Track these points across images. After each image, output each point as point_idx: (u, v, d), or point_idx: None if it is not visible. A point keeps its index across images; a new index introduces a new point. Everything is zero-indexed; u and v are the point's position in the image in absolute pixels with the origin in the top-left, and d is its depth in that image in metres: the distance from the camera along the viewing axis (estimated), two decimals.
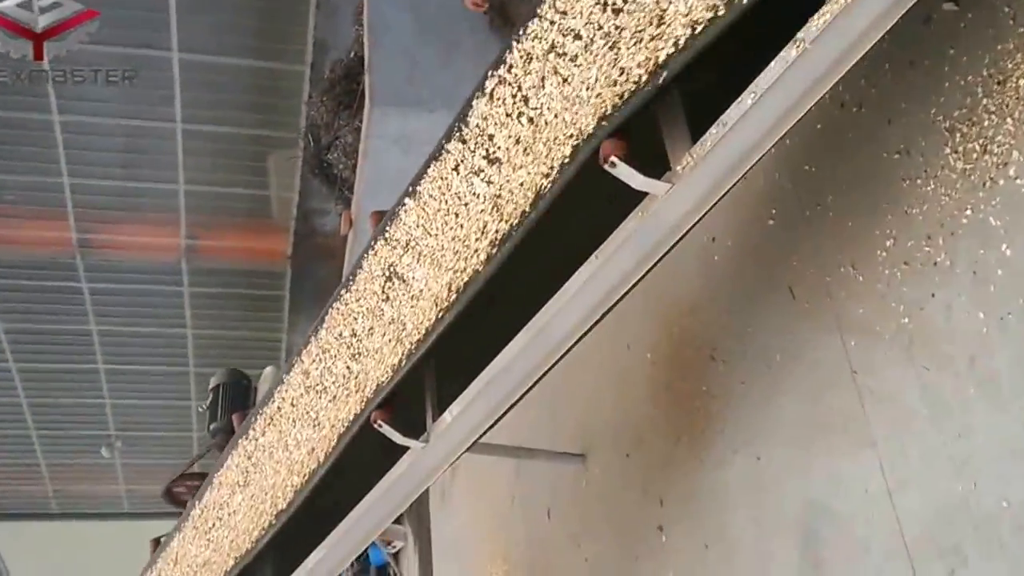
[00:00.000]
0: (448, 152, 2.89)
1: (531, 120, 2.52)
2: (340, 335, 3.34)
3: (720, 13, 1.91)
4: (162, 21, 7.58)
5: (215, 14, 7.78)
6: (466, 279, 2.60)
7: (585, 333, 2.49)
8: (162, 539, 4.28)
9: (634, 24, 2.18)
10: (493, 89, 2.73)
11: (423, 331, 2.73)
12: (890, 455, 2.40)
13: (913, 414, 2.32)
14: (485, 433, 2.77)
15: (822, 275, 2.71)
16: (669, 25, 2.05)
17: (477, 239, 2.60)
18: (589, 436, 4.35)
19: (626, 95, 2.11)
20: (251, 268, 9.93)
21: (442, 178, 2.90)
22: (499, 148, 2.64)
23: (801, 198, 2.85)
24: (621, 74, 2.15)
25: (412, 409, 2.83)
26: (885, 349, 2.41)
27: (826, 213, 2.72)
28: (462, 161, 2.81)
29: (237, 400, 4.39)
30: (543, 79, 2.50)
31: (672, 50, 2.01)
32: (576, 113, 2.29)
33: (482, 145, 2.72)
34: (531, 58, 2.59)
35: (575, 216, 2.47)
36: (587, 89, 2.28)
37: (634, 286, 2.37)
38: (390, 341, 2.93)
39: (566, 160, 2.27)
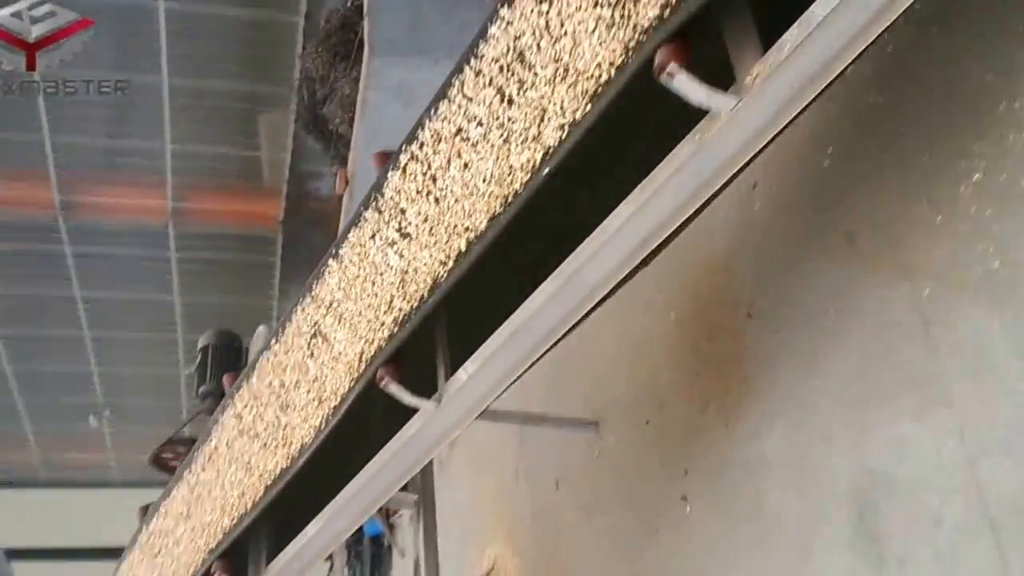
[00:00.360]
0: (366, 220, 2.89)
1: (437, 201, 2.55)
2: (270, 384, 3.32)
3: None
4: None
5: None
6: (373, 351, 2.65)
7: (624, 281, 2.20)
8: (150, 506, 4.04)
9: (522, 118, 2.23)
10: (406, 164, 2.73)
11: (339, 398, 2.79)
12: (971, 418, 2.11)
13: (1001, 371, 2.04)
14: (503, 392, 2.48)
15: (889, 217, 2.41)
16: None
17: (385, 312, 2.66)
18: (603, 403, 4.08)
19: (510, 197, 2.20)
20: (241, 233, 9.61)
21: (361, 244, 2.91)
22: (410, 224, 2.66)
23: (865, 132, 2.56)
24: (509, 172, 2.22)
25: (422, 367, 2.54)
26: (968, 298, 2.12)
27: (896, 145, 2.42)
28: (378, 231, 2.82)
29: (227, 362, 4.11)
30: (449, 161, 2.52)
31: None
32: (473, 204, 2.36)
33: (395, 218, 2.74)
34: (440, 139, 2.59)
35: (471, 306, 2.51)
36: (483, 181, 2.34)
37: (684, 225, 2.08)
38: (313, 400, 2.96)
39: (461, 252, 2.36)
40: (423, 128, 2.65)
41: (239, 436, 3.44)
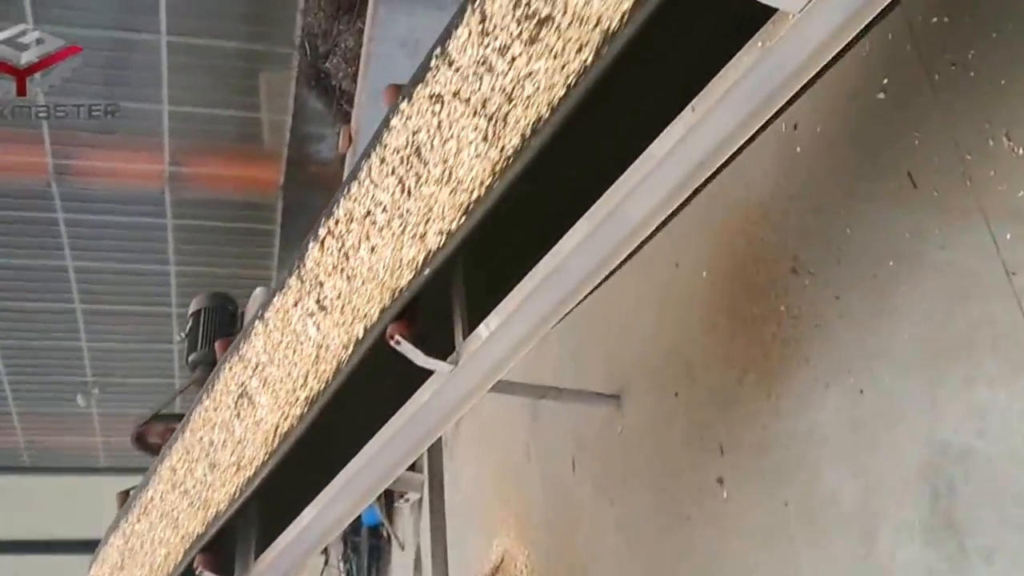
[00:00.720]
0: (289, 287, 2.92)
1: (349, 279, 2.58)
2: (200, 439, 3.28)
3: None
4: None
5: None
6: (286, 428, 2.65)
7: (671, 216, 1.90)
8: (131, 491, 3.76)
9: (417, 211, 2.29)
10: (324, 239, 2.78)
11: (255, 467, 2.75)
12: None
13: None
14: (525, 352, 2.18)
15: (959, 153, 2.11)
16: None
17: (300, 388, 2.66)
18: (625, 374, 3.79)
19: (396, 293, 2.27)
20: (240, 199, 9.24)
21: (285, 310, 2.92)
22: (327, 297, 2.69)
23: (927, 59, 2.25)
24: (399, 266, 2.31)
25: (435, 324, 2.25)
26: None
27: (965, 74, 2.12)
28: (299, 300, 2.85)
29: (221, 328, 3.81)
30: (360, 241, 2.58)
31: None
32: (372, 291, 2.43)
33: (315, 289, 2.77)
34: (352, 219, 2.65)
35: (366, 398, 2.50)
36: (384, 268, 2.40)
37: (741, 149, 1.77)
38: (235, 463, 2.93)
39: (358, 340, 2.41)
40: (338, 206, 2.72)
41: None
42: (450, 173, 2.18)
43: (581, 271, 1.96)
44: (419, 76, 2.42)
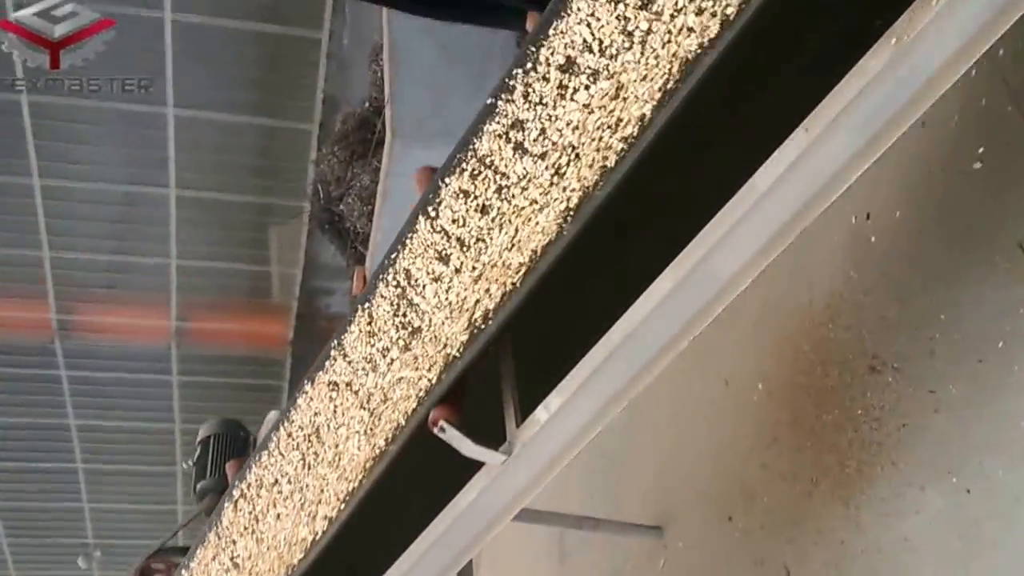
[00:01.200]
0: (209, 541, 2.96)
1: (259, 541, 2.64)
2: None
3: None
4: (157, 69, 6.88)
5: (213, 65, 7.09)
6: None
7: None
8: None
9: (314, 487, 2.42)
10: (237, 500, 2.83)
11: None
12: None
13: None
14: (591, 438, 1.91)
15: None
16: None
17: None
18: (667, 503, 3.50)
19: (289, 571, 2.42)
20: (248, 355, 9.05)
21: (205, 563, 2.96)
22: (239, 556, 2.76)
23: None
24: (295, 544, 2.43)
25: (482, 409, 2.00)
26: None
27: None
28: (217, 555, 2.90)
29: (232, 455, 3.54)
30: (268, 507, 2.65)
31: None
32: (273, 562, 2.52)
33: (230, 546, 2.82)
34: (262, 484, 2.72)
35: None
36: (283, 541, 2.49)
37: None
38: None
39: None
40: (251, 471, 2.79)
41: None
42: (339, 458, 2.32)
43: (663, 337, 1.71)
44: (320, 364, 2.54)
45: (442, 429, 1.87)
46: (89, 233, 7.86)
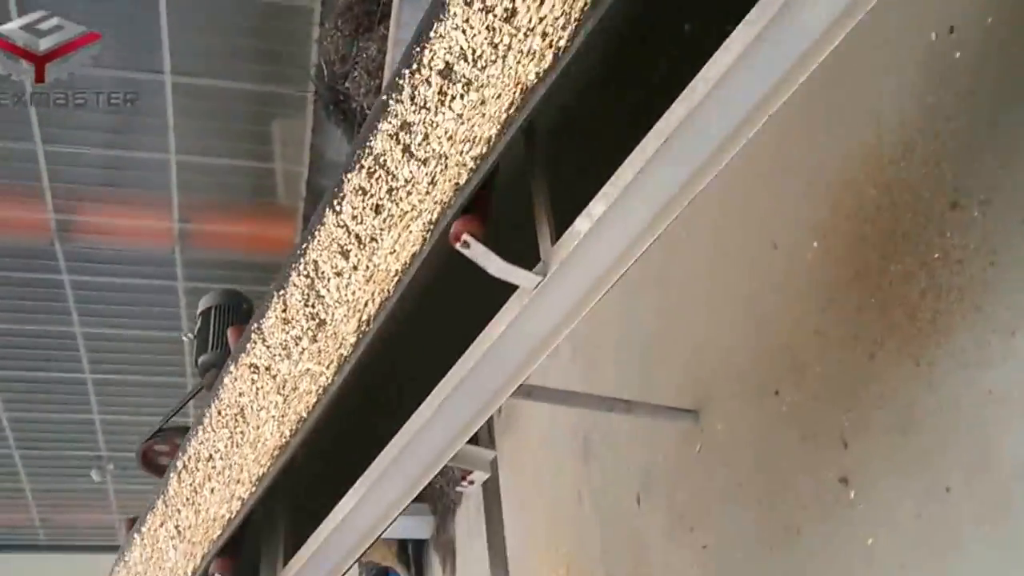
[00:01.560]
0: (157, 508, 3.07)
1: (197, 512, 2.77)
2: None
3: None
4: None
5: None
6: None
7: None
8: (136, 519, 3.30)
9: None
10: (180, 472, 2.94)
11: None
12: None
13: None
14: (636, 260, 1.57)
15: None
16: None
17: None
18: (703, 385, 3.23)
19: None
20: (254, 260, 8.69)
21: (153, 530, 3.09)
22: (182, 524, 2.86)
23: None
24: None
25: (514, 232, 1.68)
26: None
27: None
28: (163, 522, 3.01)
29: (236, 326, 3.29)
30: (204, 480, 2.78)
31: None
32: (208, 529, 2.67)
33: (176, 514, 2.93)
34: (199, 459, 2.84)
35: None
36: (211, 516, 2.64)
37: None
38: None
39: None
40: (190, 444, 2.90)
41: None
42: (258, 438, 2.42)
43: (720, 133, 1.37)
44: (241, 346, 2.60)
45: (465, 244, 1.55)
46: (84, 125, 7.47)
